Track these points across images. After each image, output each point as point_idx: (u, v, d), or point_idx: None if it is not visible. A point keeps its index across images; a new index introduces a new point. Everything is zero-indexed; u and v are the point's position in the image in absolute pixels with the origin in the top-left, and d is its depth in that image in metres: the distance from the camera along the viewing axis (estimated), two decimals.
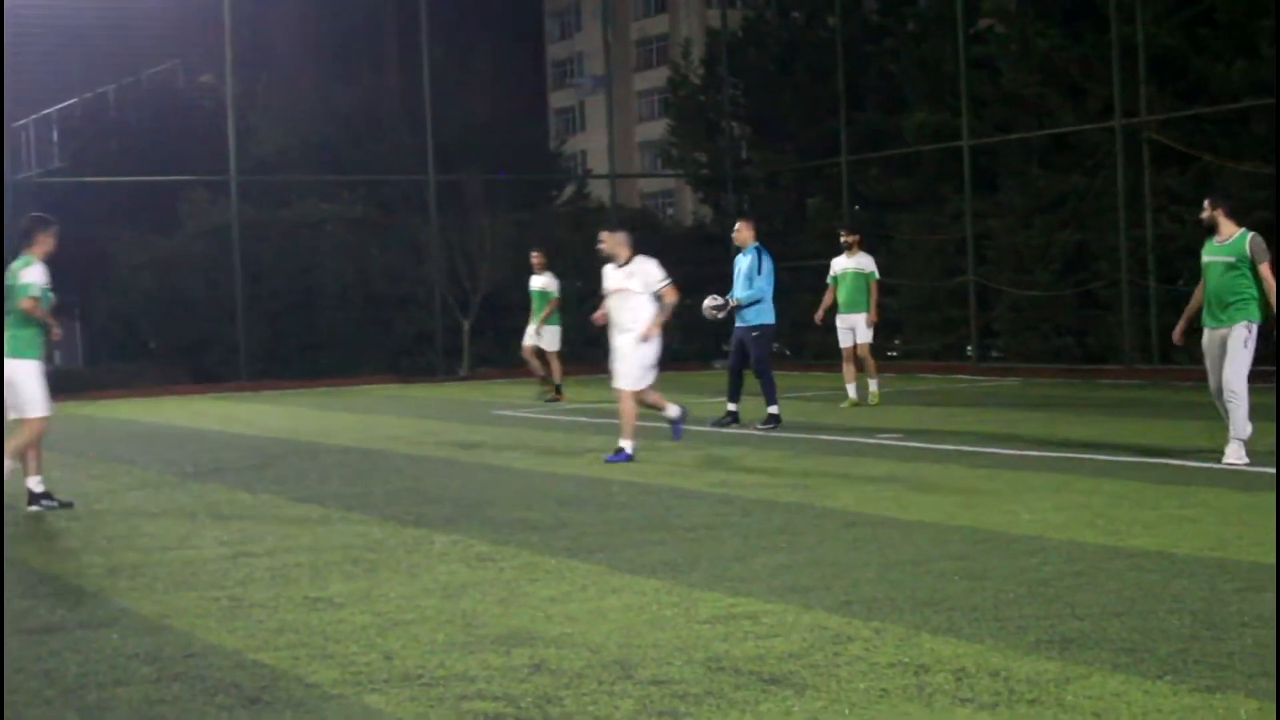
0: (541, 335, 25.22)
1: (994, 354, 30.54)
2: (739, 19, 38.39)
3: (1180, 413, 18.82)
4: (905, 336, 32.29)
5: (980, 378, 27.67)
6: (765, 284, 18.92)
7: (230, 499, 13.13)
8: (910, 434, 17.10)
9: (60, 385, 31.88)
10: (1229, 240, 13.39)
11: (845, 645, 7.04)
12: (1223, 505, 10.87)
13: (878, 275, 22.12)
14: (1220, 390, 13.40)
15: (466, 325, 33.12)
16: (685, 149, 39.49)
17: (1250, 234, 13.35)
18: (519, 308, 34.99)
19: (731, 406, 19.19)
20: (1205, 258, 13.52)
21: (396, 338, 33.81)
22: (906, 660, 6.72)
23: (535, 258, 26.16)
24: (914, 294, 31.40)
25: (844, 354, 22.10)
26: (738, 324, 19.11)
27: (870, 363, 21.76)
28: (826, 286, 22.36)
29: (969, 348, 30.46)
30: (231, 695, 6.49)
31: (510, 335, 35.02)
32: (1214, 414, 14.02)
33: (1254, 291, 13.31)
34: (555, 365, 25.22)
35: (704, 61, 39.61)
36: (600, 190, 41.66)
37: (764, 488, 12.76)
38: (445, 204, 33.72)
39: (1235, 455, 13.23)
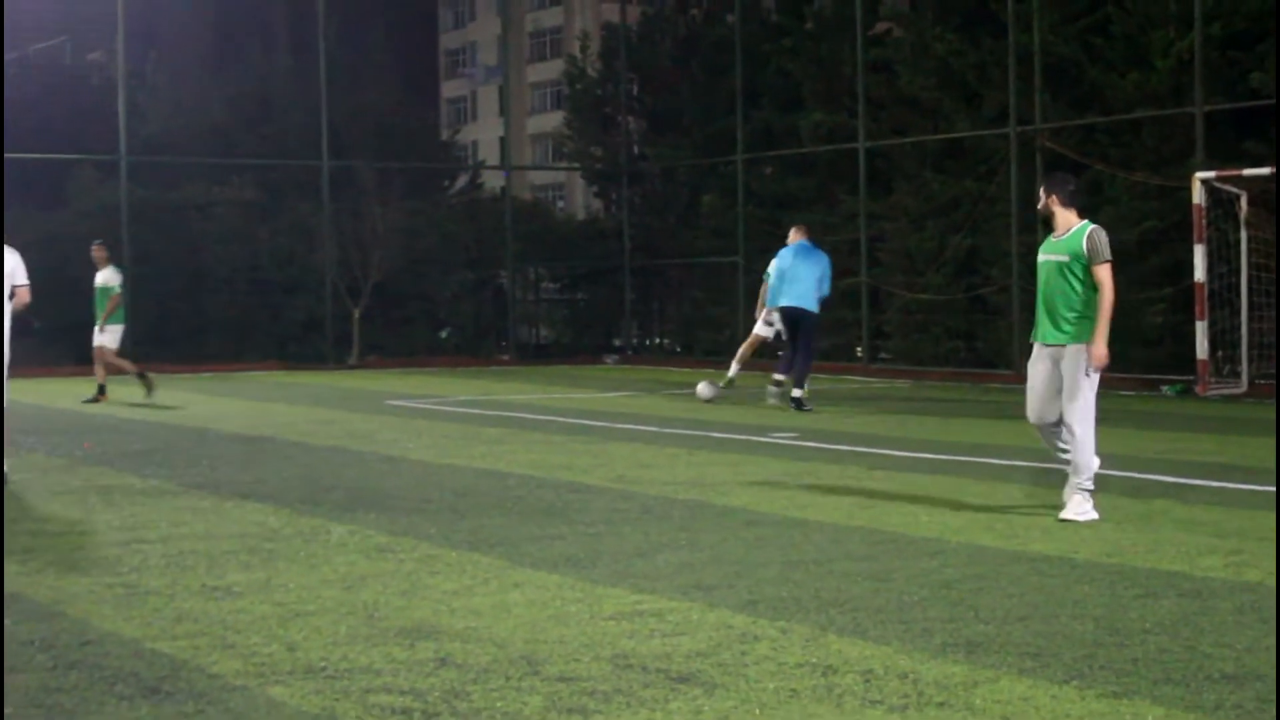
0: (104, 332, 23.25)
1: (883, 356, 30.75)
2: (637, 13, 38.41)
3: None
4: None
5: (870, 379, 27.83)
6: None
7: (120, 483, 12.92)
8: (804, 433, 17.14)
9: None
10: (1065, 235, 10.91)
11: (752, 645, 7.01)
12: (1117, 511, 10.96)
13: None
14: (1044, 423, 10.98)
15: (357, 313, 32.91)
16: (581, 142, 39.45)
17: (1091, 227, 10.90)
18: (411, 297, 34.93)
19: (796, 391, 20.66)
20: (1039, 257, 11.15)
21: (285, 324, 33.52)
22: (814, 661, 6.70)
23: (96, 250, 24.00)
24: None
25: (754, 341, 23.23)
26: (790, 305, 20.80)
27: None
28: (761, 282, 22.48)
29: (859, 349, 30.62)
30: (131, 685, 6.36)
31: (401, 324, 34.95)
32: (1103, 418, 12.04)
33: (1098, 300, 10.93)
34: (112, 364, 23.22)
35: (601, 55, 39.61)
36: (493, 181, 41.54)
37: (661, 484, 12.73)
38: (337, 190, 33.46)
39: (1079, 509, 10.69)
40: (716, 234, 34.26)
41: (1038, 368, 10.90)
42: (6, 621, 7.50)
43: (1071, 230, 10.88)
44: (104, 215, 31.88)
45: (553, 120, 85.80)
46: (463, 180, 41.53)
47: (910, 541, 9.81)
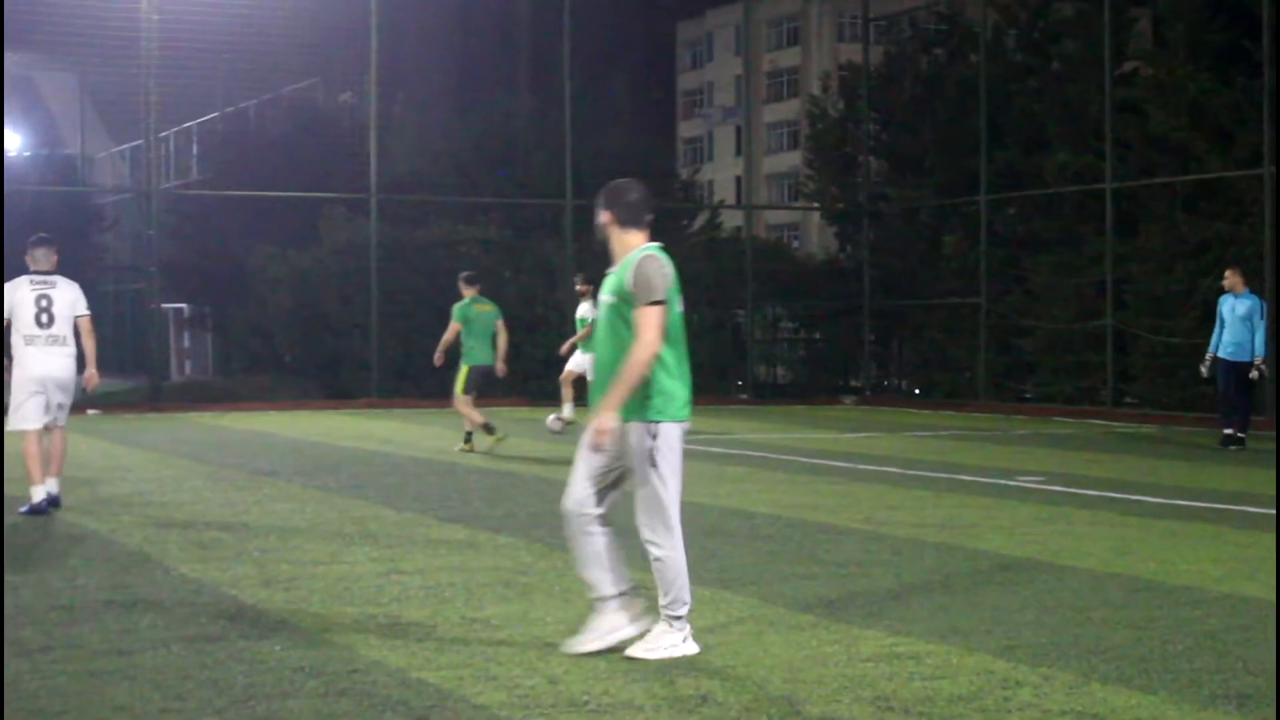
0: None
1: (1128, 399, 30.18)
2: (879, 53, 38.28)
3: None
4: (1039, 378, 31.95)
5: (1115, 423, 27.32)
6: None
7: (375, 515, 13.18)
8: (1051, 478, 16.89)
9: (192, 395, 32.54)
10: (618, 267, 7.81)
11: (1015, 690, 6.93)
12: None
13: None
14: (582, 512, 7.97)
15: None
16: (821, 182, 39.39)
17: (643, 254, 7.68)
18: None
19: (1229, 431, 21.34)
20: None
21: (526, 360, 33.90)
22: (1079, 709, 6.61)
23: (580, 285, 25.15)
24: (1049, 336, 31.12)
25: (566, 376, 23.92)
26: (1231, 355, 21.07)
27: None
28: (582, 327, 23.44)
29: (1103, 392, 30.10)
30: (400, 713, 6.49)
31: None
32: None
33: (661, 358, 7.64)
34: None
35: (842, 94, 39.54)
36: (731, 220, 41.65)
37: (910, 526, 12.64)
38: (580, 229, 33.84)
39: (665, 642, 7.63)
40: (958, 275, 33.97)
41: (585, 449, 7.84)
42: (275, 649, 7.71)
43: (624, 259, 7.79)
44: (354, 253, 32.63)
45: (788, 160, 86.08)
46: (701, 219, 41.73)
47: (1169, 590, 9.62)
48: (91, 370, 13.66)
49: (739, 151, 76.42)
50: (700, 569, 10.31)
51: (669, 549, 7.67)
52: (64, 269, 13.79)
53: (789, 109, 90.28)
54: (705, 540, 11.75)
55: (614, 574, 7.80)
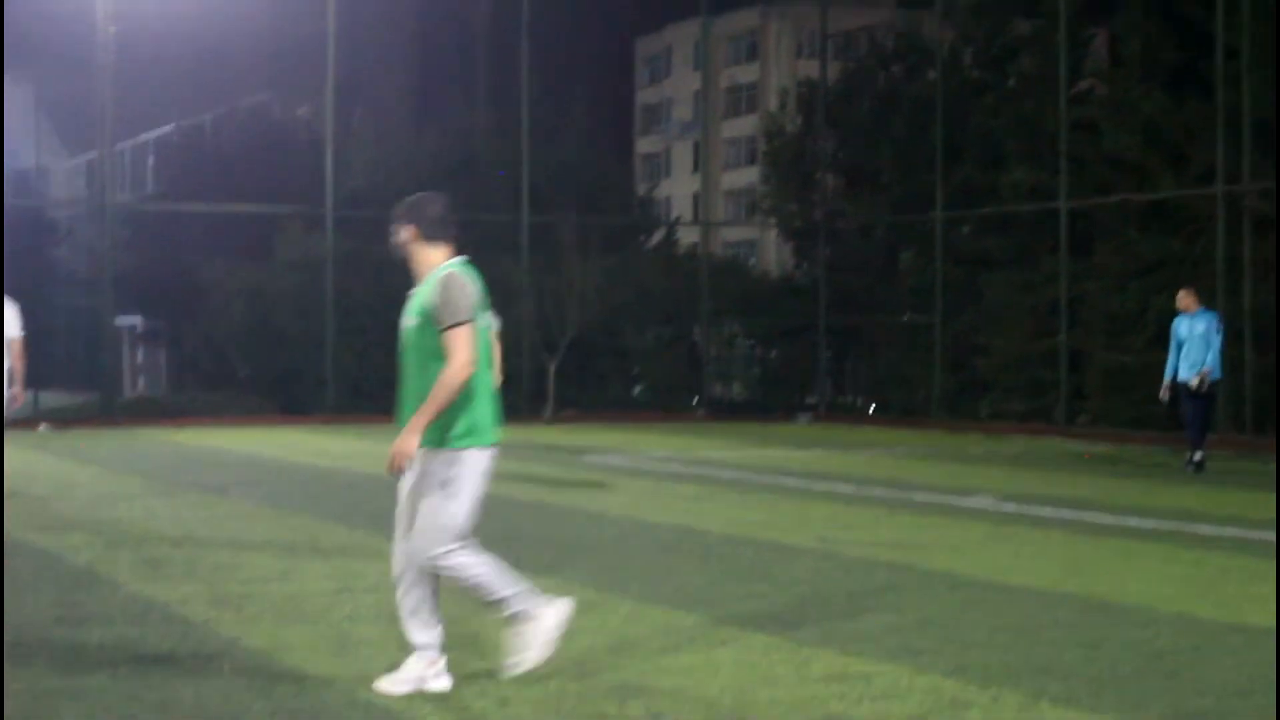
0: None
1: (1082, 417, 30.30)
2: (836, 69, 38.39)
3: None
4: (994, 396, 32.04)
5: (1069, 441, 27.41)
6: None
7: (327, 532, 13.14)
8: (1005, 496, 16.93)
9: (146, 411, 32.38)
10: (422, 286, 7.42)
11: (964, 711, 6.94)
12: None
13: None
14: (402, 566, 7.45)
15: (552, 368, 33.15)
16: (778, 198, 39.46)
17: (447, 271, 7.33)
18: (606, 352, 35.14)
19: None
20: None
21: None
22: None
23: None
24: (1004, 354, 31.22)
25: None
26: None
27: None
28: None
29: (1057, 410, 30.20)
30: None
31: (595, 379, 35.16)
32: None
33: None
34: None
35: (799, 110, 39.63)
36: (688, 236, 41.68)
37: (863, 545, 12.65)
38: (536, 245, 33.82)
39: (401, 679, 7.33)
40: (914, 292, 34.07)
41: (408, 477, 7.47)
42: (224, 668, 7.67)
43: (428, 277, 7.43)
44: (309, 268, 32.54)
45: (747, 176, 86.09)
46: (658, 236, 41.74)
47: (1120, 609, 9.65)
48: (17, 389, 13.81)
49: (697, 167, 76.41)
50: (652, 588, 10.31)
51: (454, 555, 7.25)
52: (17, 282, 13.76)
53: (748, 124, 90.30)
54: (658, 558, 11.75)
55: (507, 576, 7.45)
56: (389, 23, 47.05)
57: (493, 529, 13.60)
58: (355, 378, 32.36)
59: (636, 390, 36.82)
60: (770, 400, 36.79)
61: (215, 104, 44.31)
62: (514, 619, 7.43)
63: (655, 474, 19.83)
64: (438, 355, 7.18)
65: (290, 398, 32.46)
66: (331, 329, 31.79)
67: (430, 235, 7.39)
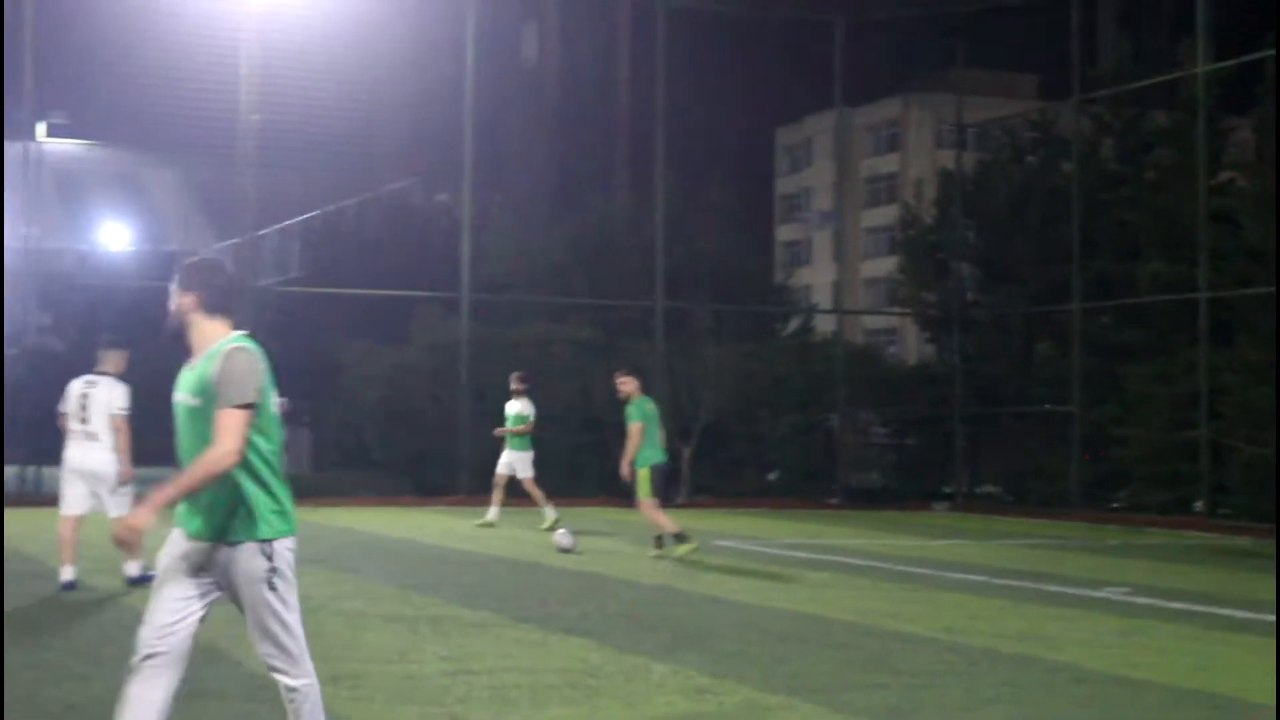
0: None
1: (1222, 511, 29.76)
2: (973, 160, 38.28)
3: None
4: (1133, 488, 31.58)
5: (1210, 535, 26.92)
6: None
7: (450, 614, 13.17)
8: (1138, 589, 16.65)
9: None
10: (200, 360, 6.60)
11: None
12: None
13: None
14: (153, 652, 6.52)
15: (687, 452, 33.13)
16: (913, 287, 39.30)
17: (232, 346, 6.52)
18: (741, 438, 35.08)
19: None
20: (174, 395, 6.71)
21: (615, 461, 33.86)
22: None
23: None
24: (1143, 445, 30.78)
25: (496, 479, 25.05)
26: None
27: (535, 493, 24.52)
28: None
29: (1198, 503, 29.70)
30: None
31: (730, 465, 35.08)
32: None
33: (268, 463, 6.53)
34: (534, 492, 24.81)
35: (936, 201, 39.52)
36: (825, 324, 41.60)
37: (989, 636, 12.48)
38: (671, 330, 33.91)
39: None
40: (1050, 383, 33.72)
41: (168, 574, 6.56)
42: None
43: (207, 350, 6.59)
44: (445, 351, 32.83)
45: (887, 265, 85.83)
46: (795, 323, 41.68)
47: (1248, 707, 9.44)
48: (124, 466, 14.71)
49: (837, 256, 76.43)
50: (770, 675, 10.23)
51: (305, 676, 6.62)
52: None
53: (888, 214, 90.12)
54: (777, 646, 11.66)
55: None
56: (529, 111, 47.59)
57: (615, 610, 13.65)
58: (489, 461, 32.48)
59: (772, 476, 36.69)
60: (906, 489, 36.49)
61: (360, 189, 44.93)
62: None
63: (785, 560, 19.70)
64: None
65: (424, 480, 32.68)
66: (466, 412, 32.01)
67: (213, 306, 6.61)
